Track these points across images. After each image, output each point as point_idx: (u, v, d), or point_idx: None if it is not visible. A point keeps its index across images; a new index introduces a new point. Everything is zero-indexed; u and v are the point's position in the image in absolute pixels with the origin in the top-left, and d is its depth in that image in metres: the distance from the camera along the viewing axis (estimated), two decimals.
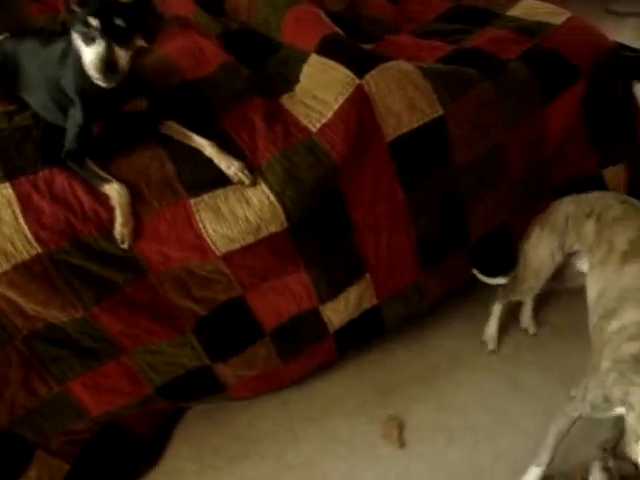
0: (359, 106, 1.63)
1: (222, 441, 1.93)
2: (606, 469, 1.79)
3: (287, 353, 1.85)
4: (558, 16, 2.03)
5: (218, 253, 1.57)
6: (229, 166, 1.56)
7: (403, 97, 1.68)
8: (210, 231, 1.54)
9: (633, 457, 1.36)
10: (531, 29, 1.97)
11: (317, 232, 1.69)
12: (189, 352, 1.70)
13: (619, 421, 1.71)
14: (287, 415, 1.98)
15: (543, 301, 2.20)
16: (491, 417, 1.95)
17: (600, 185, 2.06)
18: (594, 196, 1.78)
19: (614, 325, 1.53)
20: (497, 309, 2.12)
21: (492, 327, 2.14)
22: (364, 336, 2.01)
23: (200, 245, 1.55)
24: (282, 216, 1.58)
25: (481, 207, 1.93)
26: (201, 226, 1.54)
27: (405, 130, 1.70)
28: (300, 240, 1.65)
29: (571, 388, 1.73)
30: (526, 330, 2.19)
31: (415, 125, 1.71)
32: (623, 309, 1.53)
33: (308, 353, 1.90)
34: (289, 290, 1.74)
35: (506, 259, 2.01)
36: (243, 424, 1.97)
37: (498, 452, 1.86)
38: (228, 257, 1.58)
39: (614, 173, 2.06)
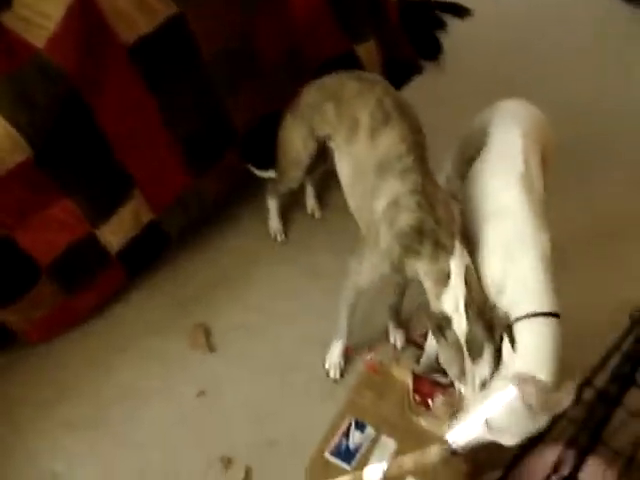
0: (84, 13, 1.52)
1: (31, 389, 1.84)
2: (397, 326, 1.98)
3: (72, 285, 1.79)
4: None
5: None
6: None
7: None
8: None
9: (438, 309, 1.48)
10: None
11: (70, 155, 1.61)
12: None
13: (399, 286, 1.88)
14: (96, 348, 1.93)
15: (325, 183, 2.28)
16: (292, 305, 2.05)
17: (355, 63, 2.11)
18: (330, 78, 1.84)
19: (383, 201, 1.58)
20: (272, 203, 2.17)
21: (274, 220, 2.20)
22: (152, 253, 1.99)
23: None
24: (23, 143, 1.47)
25: (241, 99, 1.92)
26: None
27: (143, 33, 1.63)
28: (53, 166, 1.57)
29: None
30: (312, 215, 2.28)
31: (152, 26, 1.63)
32: (386, 182, 1.59)
33: (97, 281, 1.85)
34: (57, 220, 1.65)
35: None
36: (52, 368, 1.88)
37: (303, 336, 1.97)
38: None
39: (366, 49, 2.12)
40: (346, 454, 1.61)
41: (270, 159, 2.02)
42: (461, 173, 1.84)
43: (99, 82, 1.59)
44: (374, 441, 1.64)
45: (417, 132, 1.66)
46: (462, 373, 1.45)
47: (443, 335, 1.45)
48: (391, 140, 1.63)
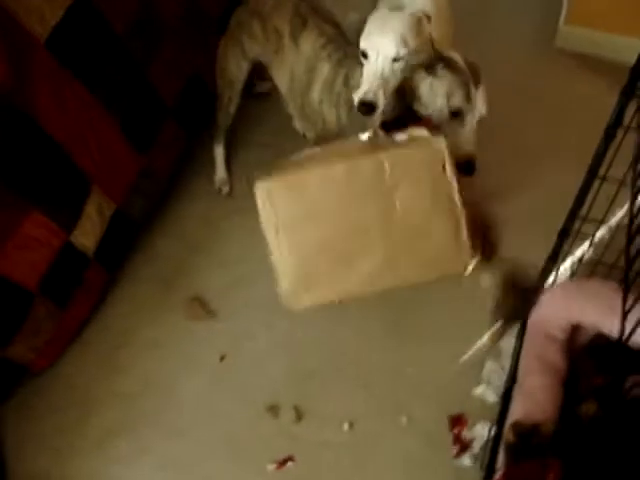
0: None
1: (55, 415, 1.76)
2: None
3: (64, 298, 1.73)
4: None
5: None
6: None
7: None
8: None
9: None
10: None
11: (26, 165, 1.53)
12: None
13: None
14: (99, 355, 1.87)
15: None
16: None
17: None
18: None
19: (317, 87, 1.74)
20: (218, 150, 2.18)
21: (220, 170, 2.21)
22: (124, 243, 1.94)
23: None
24: None
25: (160, 67, 1.88)
26: None
27: (54, 22, 1.54)
28: (14, 181, 1.48)
29: None
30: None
31: (60, 14, 1.55)
32: (317, 70, 1.75)
33: (83, 288, 1.80)
34: (32, 238, 1.57)
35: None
36: (66, 389, 1.80)
37: None
38: None
39: None
40: None
41: (206, 119, 2.01)
42: None
43: (28, 86, 1.50)
44: None
45: (335, 26, 1.80)
46: None
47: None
48: (312, 38, 1.77)
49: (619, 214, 1.61)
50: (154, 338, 1.90)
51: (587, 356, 1.71)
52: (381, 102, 1.56)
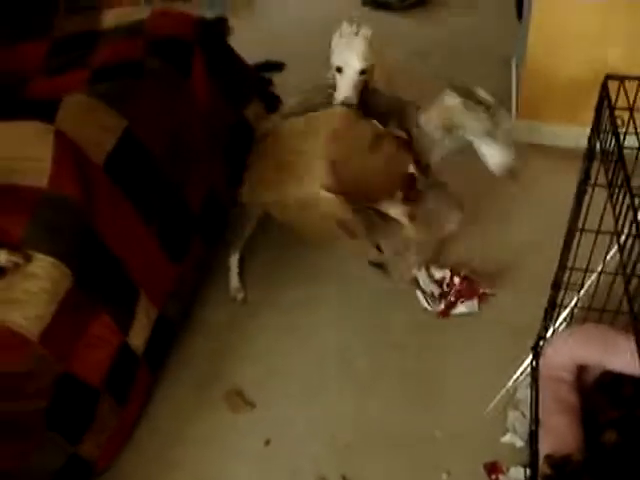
0: (66, 147, 1.69)
1: None
2: None
3: (123, 396, 1.87)
4: (142, 12, 2.33)
5: (35, 338, 1.51)
6: None
7: (93, 123, 1.80)
8: (21, 321, 1.49)
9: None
10: (135, 29, 2.22)
11: (95, 270, 1.73)
12: (52, 450, 1.61)
13: None
14: (149, 456, 1.96)
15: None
16: (291, 339, 2.28)
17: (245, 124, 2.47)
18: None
19: None
20: (234, 261, 2.41)
21: (234, 279, 2.42)
22: (166, 345, 2.11)
23: (15, 341, 1.48)
24: (66, 270, 1.60)
25: (190, 185, 2.16)
26: (9, 324, 1.47)
27: (109, 149, 1.82)
28: (88, 285, 1.68)
29: None
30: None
31: (113, 142, 1.83)
32: None
33: (135, 388, 1.93)
34: (98, 338, 1.74)
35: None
36: None
37: (321, 353, 2.22)
38: (44, 337, 1.54)
39: (254, 110, 2.49)
40: None
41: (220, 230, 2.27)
42: None
43: (94, 203, 1.74)
44: None
45: None
46: None
47: None
48: None
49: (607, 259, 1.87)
50: (201, 433, 2.02)
51: (599, 392, 1.93)
52: (355, 101, 2.11)
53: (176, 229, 2.09)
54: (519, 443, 1.91)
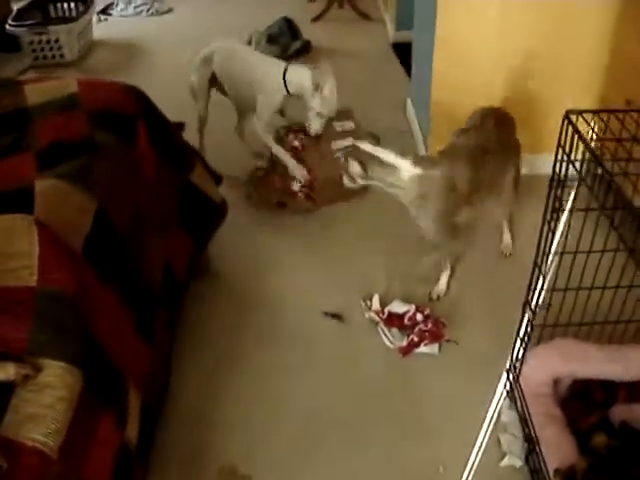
0: (51, 237, 1.55)
1: None
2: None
3: None
4: (70, 84, 2.19)
5: (55, 455, 1.35)
6: (6, 374, 1.35)
7: (70, 208, 1.68)
8: (41, 438, 1.32)
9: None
10: (68, 104, 2.09)
11: (98, 369, 1.59)
12: None
13: None
14: None
15: None
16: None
17: (193, 188, 2.42)
18: None
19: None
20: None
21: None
22: (150, 434, 1.96)
23: (35, 461, 1.32)
24: (77, 372, 1.46)
25: (149, 259, 2.06)
26: (29, 443, 1.30)
27: (86, 233, 1.70)
28: (93, 385, 1.53)
29: None
30: None
31: (89, 225, 1.71)
32: None
33: None
34: (103, 438, 1.58)
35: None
36: None
37: (313, 414, 2.17)
38: (62, 452, 1.38)
39: (198, 173, 2.45)
40: None
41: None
42: None
43: (84, 293, 1.60)
44: None
45: None
46: None
47: None
48: None
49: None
50: None
51: (573, 401, 2.08)
52: None
53: (145, 309, 1.97)
54: (518, 463, 2.00)
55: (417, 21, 3.64)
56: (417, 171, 2.24)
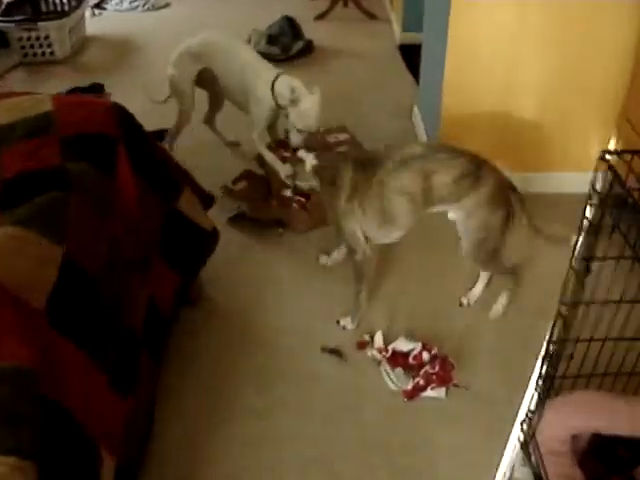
0: (5, 299, 1.36)
1: None
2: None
3: None
4: (44, 102, 1.98)
5: None
6: None
7: (27, 260, 1.47)
8: None
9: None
10: (42, 125, 1.88)
11: (60, 451, 1.40)
12: None
13: None
14: None
15: None
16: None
17: (179, 216, 2.23)
18: None
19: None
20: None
21: None
22: None
23: None
24: (31, 465, 1.26)
25: (129, 303, 1.85)
26: None
27: (49, 288, 1.49)
28: (51, 472, 1.34)
29: None
30: None
31: (54, 277, 1.51)
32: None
33: None
34: None
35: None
36: None
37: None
38: None
39: (186, 199, 2.24)
40: None
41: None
42: None
43: (46, 362, 1.41)
44: None
45: None
46: None
47: None
48: None
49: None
50: None
51: (593, 459, 1.89)
52: None
53: (124, 359, 1.77)
54: None
55: (427, 23, 3.42)
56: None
